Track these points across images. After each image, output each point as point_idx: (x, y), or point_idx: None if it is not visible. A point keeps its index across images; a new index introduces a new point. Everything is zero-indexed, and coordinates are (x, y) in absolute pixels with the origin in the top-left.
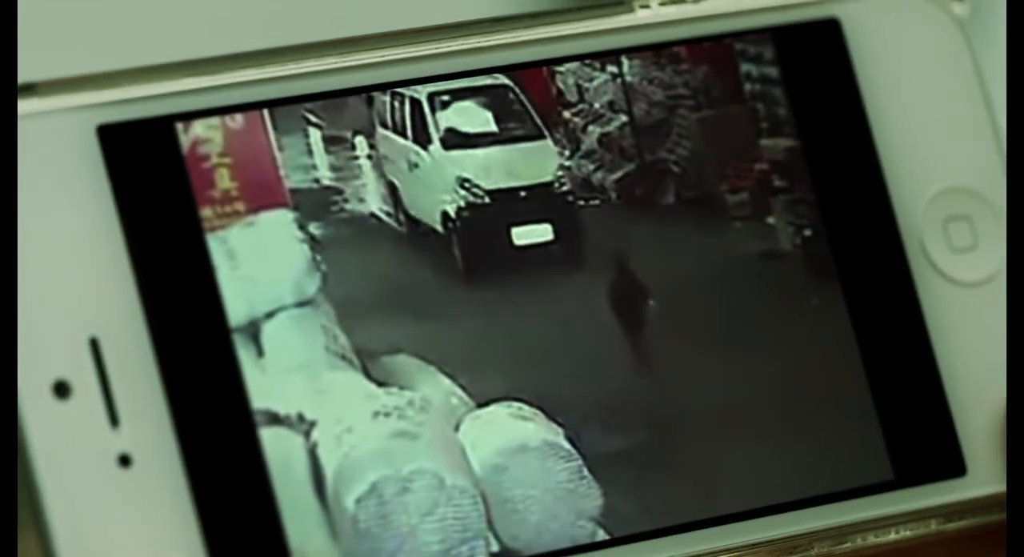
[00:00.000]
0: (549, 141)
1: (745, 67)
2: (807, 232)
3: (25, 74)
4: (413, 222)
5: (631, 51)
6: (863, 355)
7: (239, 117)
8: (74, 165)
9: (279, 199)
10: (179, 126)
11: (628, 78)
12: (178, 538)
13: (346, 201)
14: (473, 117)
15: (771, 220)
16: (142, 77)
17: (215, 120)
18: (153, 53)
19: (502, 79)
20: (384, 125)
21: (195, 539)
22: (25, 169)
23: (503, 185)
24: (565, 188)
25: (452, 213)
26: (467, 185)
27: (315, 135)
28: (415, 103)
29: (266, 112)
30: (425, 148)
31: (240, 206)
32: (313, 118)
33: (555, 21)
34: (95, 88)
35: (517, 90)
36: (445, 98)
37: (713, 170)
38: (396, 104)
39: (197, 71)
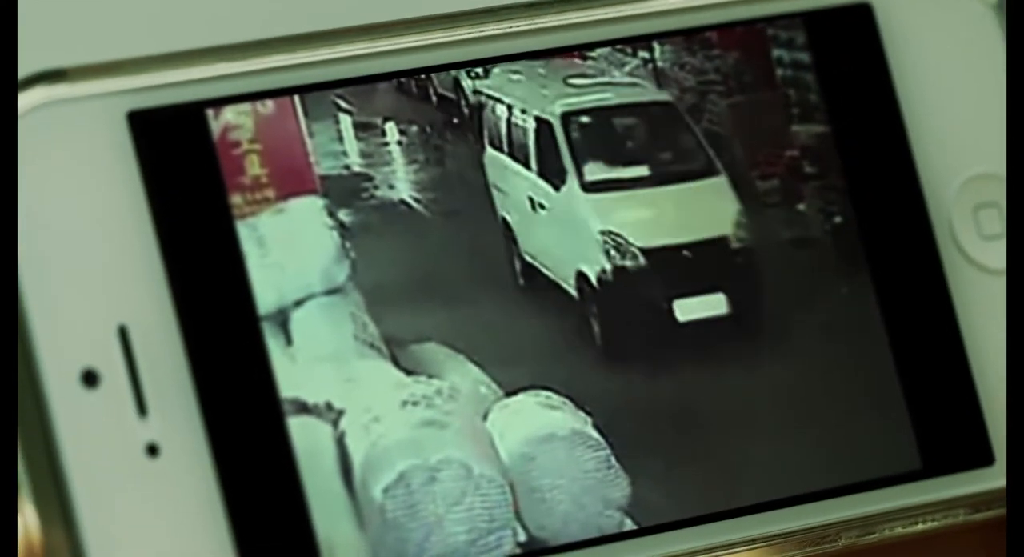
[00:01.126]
0: (724, 177)
1: (777, 52)
2: (837, 219)
3: (55, 60)
4: (530, 272)
5: (663, 36)
6: (892, 343)
7: (270, 103)
8: (104, 151)
9: (309, 186)
10: (209, 112)
11: (659, 63)
12: (206, 527)
13: (376, 188)
14: (623, 149)
15: (801, 207)
16: (172, 63)
17: (246, 106)
18: (183, 39)
19: (657, 94)
20: (496, 145)
21: (222, 528)
22: (55, 155)
23: (665, 242)
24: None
25: (592, 277)
26: (615, 241)
27: (346, 121)
28: (543, 124)
29: (297, 98)
30: (556, 187)
31: (270, 193)
32: (344, 104)
33: (587, 6)
34: (125, 74)
35: (680, 110)
36: (584, 120)
37: (743, 156)
38: (515, 120)
39: (227, 57)
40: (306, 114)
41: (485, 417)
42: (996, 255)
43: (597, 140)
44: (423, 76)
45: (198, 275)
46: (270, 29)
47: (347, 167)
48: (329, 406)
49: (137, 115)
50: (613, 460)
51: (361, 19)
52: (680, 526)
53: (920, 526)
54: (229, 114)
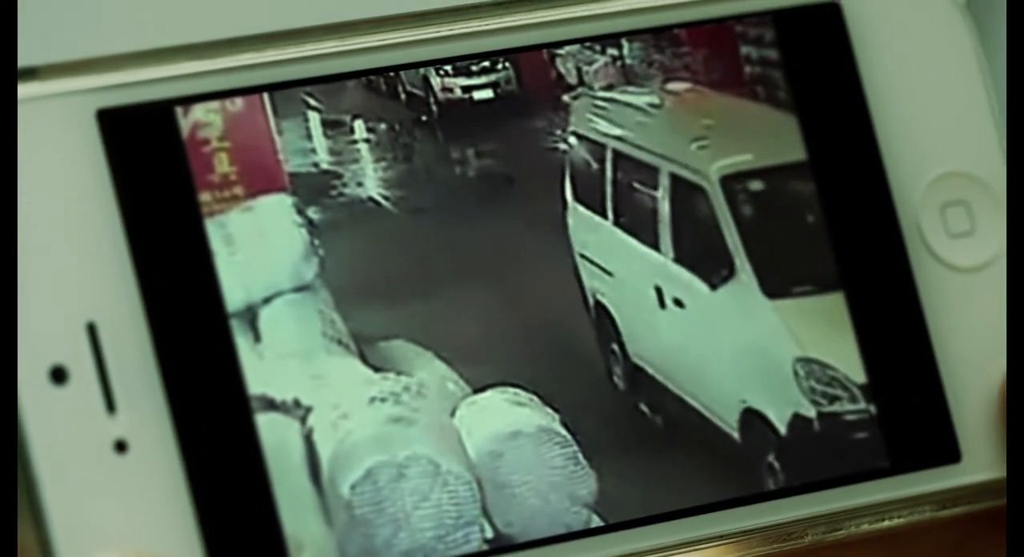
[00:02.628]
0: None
1: (745, 50)
2: (807, 217)
3: (25, 58)
4: (640, 384)
5: (631, 34)
6: (859, 340)
7: (239, 101)
8: (73, 149)
9: (278, 183)
10: (179, 110)
11: (628, 61)
12: (174, 524)
13: (344, 185)
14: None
15: None
16: (142, 61)
17: (215, 104)
18: (153, 37)
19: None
20: (589, 203)
21: (191, 525)
22: (24, 153)
23: None
24: None
25: (781, 426)
26: (827, 375)
27: (314, 119)
28: (686, 189)
29: (266, 96)
30: (713, 284)
31: (239, 190)
32: (312, 101)
33: (555, 4)
34: (95, 72)
35: None
36: (756, 186)
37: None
38: (626, 176)
39: (197, 55)
40: (275, 112)
41: (453, 414)
42: (964, 253)
43: (781, 218)
44: (392, 74)
45: (167, 272)
46: (239, 27)
47: (316, 165)
48: (297, 403)
49: (106, 113)
50: (580, 457)
51: (330, 18)
52: (647, 523)
53: (887, 523)
54: (198, 112)
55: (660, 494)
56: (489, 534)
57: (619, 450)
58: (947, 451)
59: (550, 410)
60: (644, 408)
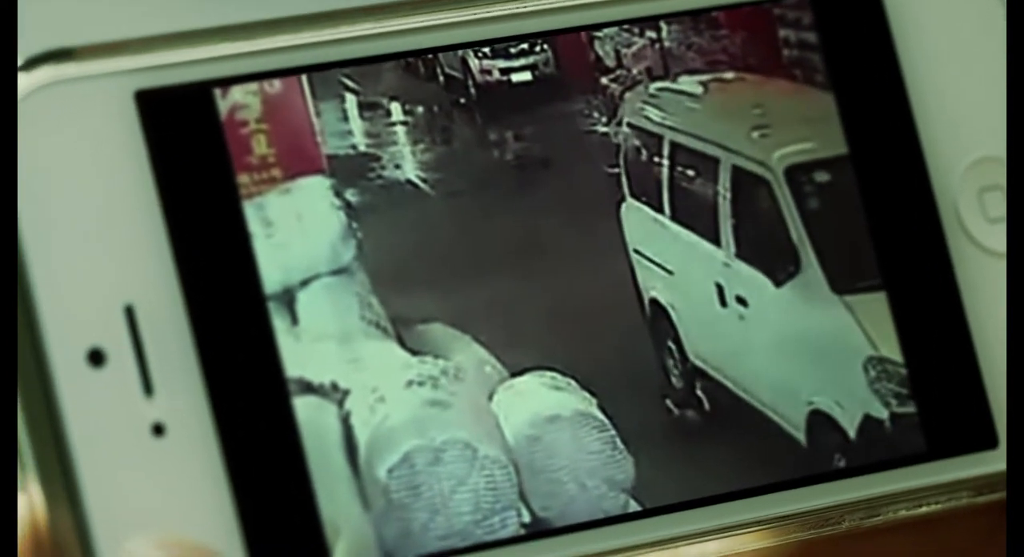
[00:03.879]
0: None
1: (783, 32)
2: None
3: (63, 39)
4: (699, 386)
5: (670, 16)
6: (897, 325)
7: (277, 83)
8: (111, 130)
9: (316, 165)
10: (217, 92)
11: (666, 43)
12: (211, 507)
13: (383, 168)
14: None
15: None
16: (180, 42)
17: (253, 86)
18: (191, 18)
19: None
20: (646, 197)
21: (228, 508)
22: (62, 134)
23: None
24: None
25: (851, 429)
26: (896, 372)
27: (352, 101)
28: (750, 181)
29: (304, 78)
30: (778, 280)
31: (277, 172)
32: (351, 83)
33: None
34: (133, 53)
35: None
36: (823, 178)
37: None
38: (684, 168)
39: (235, 36)
40: (313, 94)
41: (490, 398)
42: (1001, 238)
43: (841, 210)
44: (430, 56)
45: (204, 254)
46: (278, 9)
47: (354, 147)
48: (334, 386)
49: (144, 94)
50: (618, 441)
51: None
52: (684, 508)
53: (924, 509)
54: (236, 93)
55: (698, 479)
56: (526, 518)
57: (657, 435)
58: (984, 437)
59: (587, 394)
60: (698, 404)
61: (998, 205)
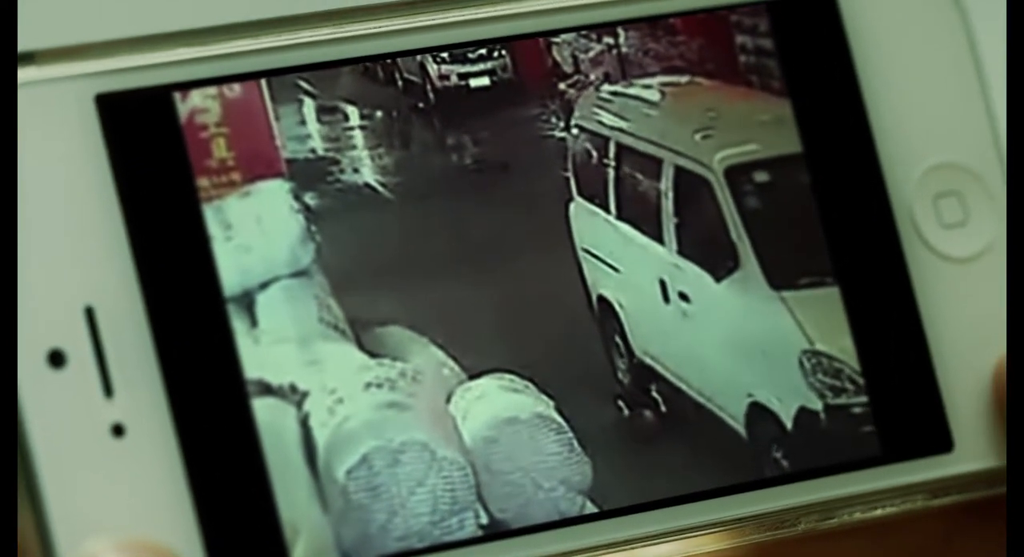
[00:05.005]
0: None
1: (740, 39)
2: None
3: (24, 43)
4: (644, 380)
5: (627, 23)
6: (852, 330)
7: (237, 87)
8: (72, 134)
9: (275, 169)
10: (177, 95)
11: (624, 49)
12: (171, 508)
13: (341, 171)
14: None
15: None
16: (140, 46)
17: (213, 90)
18: (151, 23)
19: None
20: (592, 196)
21: (188, 509)
22: (23, 137)
23: None
24: None
25: (788, 419)
26: (832, 367)
27: (311, 105)
28: (691, 181)
29: (263, 82)
30: (717, 276)
31: (236, 176)
32: (309, 88)
33: None
34: (93, 57)
35: None
36: (762, 178)
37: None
38: (630, 169)
39: (195, 41)
40: (273, 98)
41: (448, 400)
42: (957, 244)
43: (783, 209)
44: (388, 61)
45: (164, 257)
46: (238, 14)
47: (313, 151)
48: (293, 388)
49: (105, 98)
50: (575, 444)
51: (327, 4)
52: (641, 510)
53: (879, 511)
54: (196, 97)
55: (654, 481)
56: (484, 520)
57: (614, 437)
58: (939, 440)
59: (545, 397)
60: (645, 400)
61: (953, 211)
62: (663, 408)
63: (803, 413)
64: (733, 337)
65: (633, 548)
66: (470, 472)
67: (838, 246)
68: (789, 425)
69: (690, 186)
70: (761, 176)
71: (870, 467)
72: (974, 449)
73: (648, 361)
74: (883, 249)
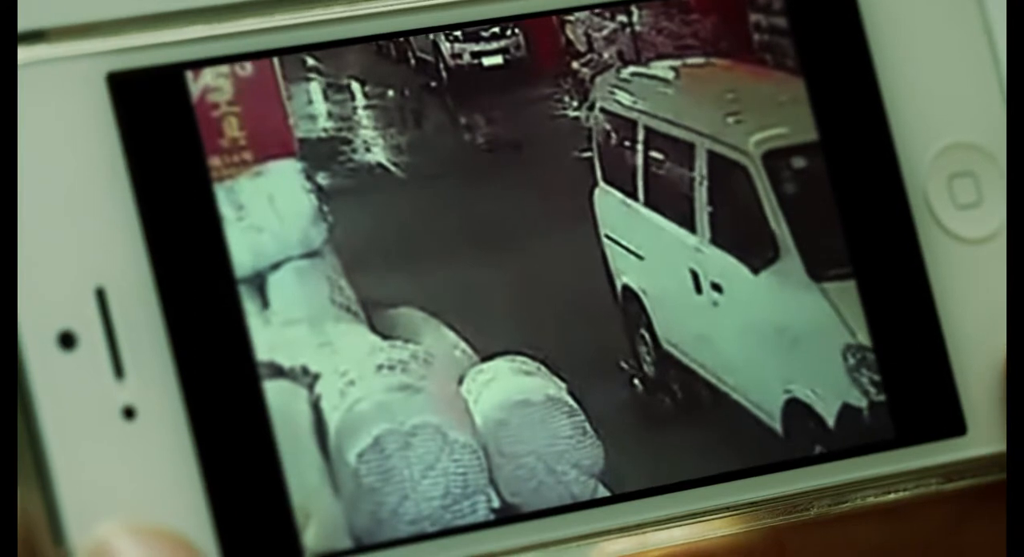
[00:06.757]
0: None
1: (754, 17)
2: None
3: (34, 21)
4: (669, 369)
5: (641, 1)
6: (865, 311)
7: (249, 66)
8: (83, 113)
9: (287, 148)
10: (189, 74)
11: (637, 28)
12: (181, 491)
13: (354, 151)
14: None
15: None
16: (152, 25)
17: (225, 68)
18: (163, 1)
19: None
20: (619, 183)
21: (198, 492)
22: (33, 116)
23: None
24: None
25: (829, 418)
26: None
27: (322, 84)
28: (725, 167)
29: (276, 61)
30: (755, 267)
31: (248, 155)
32: (321, 67)
33: None
34: (105, 35)
35: None
36: (800, 163)
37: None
38: (658, 154)
39: (207, 19)
40: (285, 77)
41: (460, 382)
42: (970, 225)
43: (817, 196)
44: (401, 39)
45: (176, 238)
46: None
47: (325, 130)
48: (305, 370)
49: (116, 76)
50: (587, 427)
51: None
52: (653, 494)
53: (892, 495)
54: (208, 76)
55: (667, 465)
56: (496, 503)
57: (626, 420)
58: (952, 424)
59: (558, 380)
60: (664, 387)
61: (968, 192)
62: (687, 399)
63: (846, 409)
64: (770, 329)
65: (645, 532)
66: (482, 455)
67: (853, 229)
68: (831, 422)
69: (725, 172)
70: (798, 161)
71: (883, 451)
72: (987, 433)
73: (674, 351)
74: (897, 230)
